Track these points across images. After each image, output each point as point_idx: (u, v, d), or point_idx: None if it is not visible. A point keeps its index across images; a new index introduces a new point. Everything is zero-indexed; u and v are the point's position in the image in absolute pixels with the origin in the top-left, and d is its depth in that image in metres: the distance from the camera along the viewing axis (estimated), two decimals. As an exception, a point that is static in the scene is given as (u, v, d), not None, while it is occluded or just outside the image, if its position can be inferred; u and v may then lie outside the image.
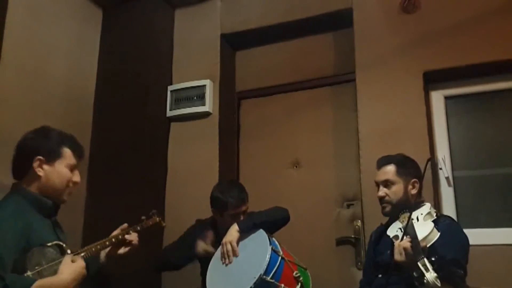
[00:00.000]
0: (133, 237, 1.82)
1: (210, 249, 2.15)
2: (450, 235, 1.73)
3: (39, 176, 1.59)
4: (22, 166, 1.61)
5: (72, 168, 1.67)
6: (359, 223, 2.65)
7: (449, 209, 2.45)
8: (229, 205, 2.13)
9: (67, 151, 1.66)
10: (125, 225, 1.83)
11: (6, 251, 1.38)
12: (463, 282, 1.66)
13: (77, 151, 1.70)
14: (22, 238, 1.44)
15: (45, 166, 1.60)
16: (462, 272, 1.65)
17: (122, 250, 1.80)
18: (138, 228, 1.90)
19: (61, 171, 1.63)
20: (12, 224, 1.44)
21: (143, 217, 1.98)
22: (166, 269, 2.37)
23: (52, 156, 1.62)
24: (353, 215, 2.72)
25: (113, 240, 1.76)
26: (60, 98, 2.76)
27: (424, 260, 1.47)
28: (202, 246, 2.18)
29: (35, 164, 1.58)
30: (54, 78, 2.73)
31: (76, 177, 1.68)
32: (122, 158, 2.89)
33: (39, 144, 1.61)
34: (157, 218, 2.05)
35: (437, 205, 2.41)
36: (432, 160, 2.46)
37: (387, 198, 1.96)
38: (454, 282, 1.59)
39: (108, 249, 1.78)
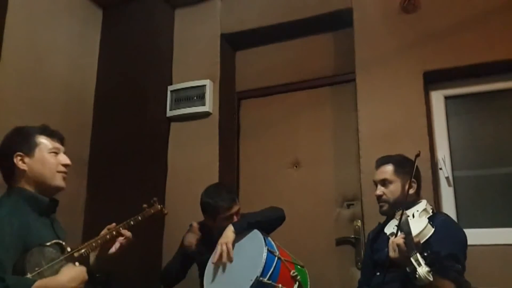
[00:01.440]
0: (126, 234, 1.77)
1: (197, 238, 2.16)
2: (445, 230, 1.73)
3: (24, 171, 1.59)
4: (6, 169, 1.61)
5: (56, 152, 1.66)
6: (359, 223, 2.65)
7: (449, 209, 2.44)
8: (221, 209, 2.11)
9: (42, 138, 1.65)
10: (113, 224, 1.78)
11: (4, 252, 1.38)
12: (460, 276, 1.66)
13: (53, 136, 1.69)
14: (19, 238, 1.44)
15: (26, 159, 1.60)
16: (459, 266, 1.65)
17: (113, 249, 1.75)
18: (140, 217, 1.88)
19: (43, 158, 1.62)
20: (8, 224, 1.44)
21: (144, 205, 1.98)
22: (169, 282, 2.30)
23: (28, 148, 1.62)
24: (353, 215, 2.72)
25: (114, 233, 1.74)
26: (60, 98, 2.76)
27: (416, 255, 1.48)
28: (187, 239, 2.18)
29: (16, 160, 1.59)
30: (54, 78, 2.73)
31: (65, 160, 1.67)
32: (122, 158, 2.89)
33: (14, 142, 1.62)
34: (159, 206, 2.04)
35: (437, 205, 2.41)
36: (432, 160, 2.46)
37: (384, 197, 1.96)
38: (451, 276, 1.59)
39: (97, 250, 1.73)
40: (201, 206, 2.20)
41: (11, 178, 1.61)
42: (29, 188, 1.60)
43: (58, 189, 1.66)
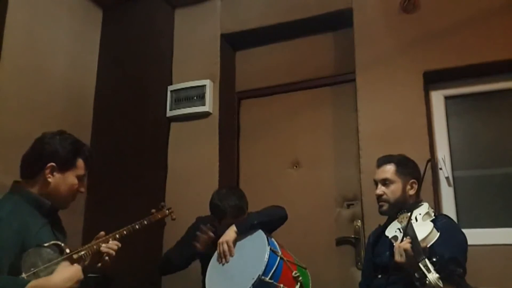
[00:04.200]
0: (109, 247, 1.67)
1: (210, 238, 2.15)
2: (448, 233, 1.73)
3: (48, 182, 1.59)
4: (32, 167, 1.61)
5: (80, 179, 1.68)
6: (359, 223, 2.65)
7: (449, 209, 2.44)
8: (228, 214, 2.12)
9: (80, 162, 1.67)
10: (102, 233, 1.72)
11: (1, 252, 1.38)
12: (462, 280, 1.66)
13: (89, 163, 1.72)
14: (18, 239, 1.43)
15: (56, 174, 1.60)
16: (461, 271, 1.65)
17: (99, 263, 1.67)
18: (146, 222, 1.88)
19: (70, 181, 1.64)
20: (8, 225, 1.44)
21: (153, 210, 1.99)
22: (168, 270, 2.33)
23: (65, 166, 1.62)
24: (353, 215, 2.72)
25: (117, 236, 1.72)
26: (60, 98, 2.76)
27: (425, 261, 1.47)
28: (200, 240, 2.18)
29: (47, 171, 1.58)
30: (54, 78, 2.74)
31: (82, 188, 1.70)
32: (122, 158, 2.90)
33: (55, 151, 1.61)
34: (167, 211, 2.05)
35: (437, 205, 2.41)
36: (432, 160, 2.46)
37: (384, 196, 1.96)
38: (454, 281, 1.59)
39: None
40: (209, 205, 2.22)
41: (28, 176, 1.60)
42: (36, 191, 1.59)
43: (63, 208, 1.69)
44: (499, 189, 2.44)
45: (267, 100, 3.15)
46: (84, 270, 1.63)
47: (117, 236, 1.73)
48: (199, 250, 2.17)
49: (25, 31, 2.54)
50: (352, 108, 2.70)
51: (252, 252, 1.92)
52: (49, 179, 1.59)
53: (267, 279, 1.80)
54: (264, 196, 2.79)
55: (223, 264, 1.96)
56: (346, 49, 2.85)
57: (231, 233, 2.00)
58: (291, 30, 3.05)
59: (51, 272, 1.39)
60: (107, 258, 1.65)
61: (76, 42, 2.94)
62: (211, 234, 2.16)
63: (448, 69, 2.49)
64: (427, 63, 2.51)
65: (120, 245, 1.71)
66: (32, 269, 1.36)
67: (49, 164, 1.59)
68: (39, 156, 1.60)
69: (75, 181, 1.65)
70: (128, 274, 2.56)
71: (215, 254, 2.05)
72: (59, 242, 1.50)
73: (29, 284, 1.30)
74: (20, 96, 2.47)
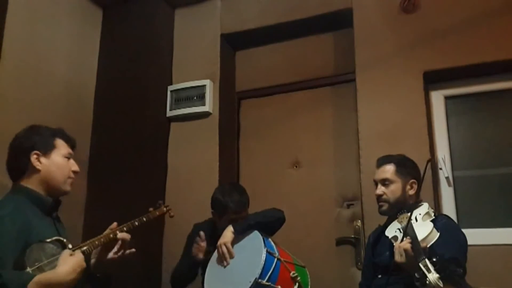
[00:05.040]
0: (123, 236, 1.72)
1: (206, 247, 2.15)
2: (448, 233, 1.73)
3: (39, 170, 1.61)
4: (19, 165, 1.62)
5: (68, 158, 1.70)
6: (359, 223, 2.65)
7: (449, 209, 2.44)
8: (229, 209, 2.13)
9: (60, 141, 1.70)
10: (114, 224, 1.75)
11: (4, 248, 1.38)
12: (462, 280, 1.66)
13: (69, 141, 1.74)
14: (21, 236, 1.44)
15: (43, 159, 1.62)
16: (461, 271, 1.65)
17: (111, 255, 1.71)
18: (144, 219, 1.89)
19: (58, 161, 1.66)
20: (10, 222, 1.45)
21: (150, 209, 1.99)
22: (178, 285, 2.30)
23: (47, 148, 1.65)
24: (353, 215, 2.72)
25: (117, 232, 1.71)
26: (60, 98, 2.76)
27: (425, 261, 1.47)
28: (197, 248, 2.18)
29: (33, 159, 1.60)
30: (54, 78, 2.73)
31: (74, 166, 1.71)
32: (122, 158, 2.89)
33: (32, 140, 1.64)
34: (165, 208, 2.05)
35: (437, 205, 2.41)
36: (432, 160, 2.46)
37: (384, 196, 1.96)
38: (454, 281, 1.59)
39: (98, 253, 1.70)
40: (211, 201, 2.23)
41: (21, 175, 1.62)
42: (36, 187, 1.61)
43: (65, 193, 1.70)
44: (499, 189, 2.45)
45: (267, 100, 3.15)
46: (95, 268, 1.69)
47: (118, 232, 1.72)
48: (200, 259, 2.17)
49: (25, 31, 2.54)
50: (352, 108, 2.70)
51: (248, 254, 1.91)
52: (38, 167, 1.61)
53: (264, 281, 1.79)
54: (264, 196, 2.80)
55: (224, 267, 1.96)
56: (346, 49, 2.85)
57: (228, 233, 1.99)
58: (291, 30, 3.05)
59: (55, 267, 1.39)
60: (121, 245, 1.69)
61: (76, 42, 2.94)
62: (204, 244, 2.18)
63: (448, 69, 2.49)
64: (427, 63, 2.51)
65: (130, 237, 1.74)
66: (36, 263, 1.36)
67: (32, 153, 1.61)
68: (20, 152, 1.62)
69: (63, 161, 1.67)
70: (128, 274, 2.56)
71: (214, 255, 2.05)
72: (61, 238, 1.50)
73: (34, 279, 1.30)
74: (20, 96, 2.47)
